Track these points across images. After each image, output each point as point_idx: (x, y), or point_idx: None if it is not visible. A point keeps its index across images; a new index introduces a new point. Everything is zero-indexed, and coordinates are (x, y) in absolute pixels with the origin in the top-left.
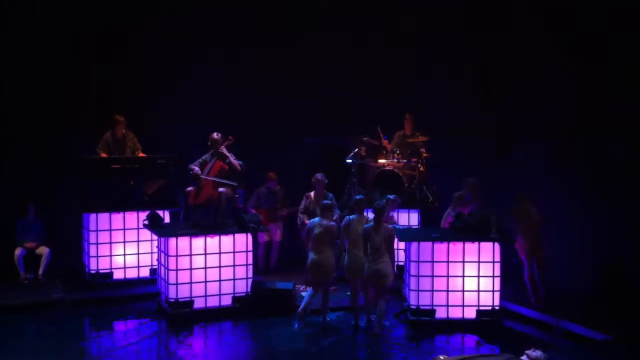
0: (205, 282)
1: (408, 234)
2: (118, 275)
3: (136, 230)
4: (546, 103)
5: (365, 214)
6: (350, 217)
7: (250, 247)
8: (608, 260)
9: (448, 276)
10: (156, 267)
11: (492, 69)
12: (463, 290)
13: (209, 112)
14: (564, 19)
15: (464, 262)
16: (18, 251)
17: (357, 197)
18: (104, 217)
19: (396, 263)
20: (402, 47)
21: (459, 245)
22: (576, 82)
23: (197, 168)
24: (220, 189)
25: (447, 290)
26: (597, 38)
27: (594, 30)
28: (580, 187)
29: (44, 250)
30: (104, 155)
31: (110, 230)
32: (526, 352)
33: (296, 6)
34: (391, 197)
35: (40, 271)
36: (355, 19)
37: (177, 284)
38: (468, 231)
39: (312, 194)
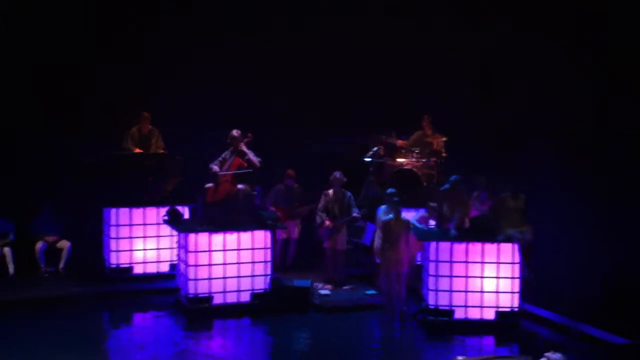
0: (224, 278)
1: (426, 234)
2: (138, 270)
3: (156, 226)
4: (555, 105)
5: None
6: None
7: (269, 245)
8: (620, 264)
9: (467, 277)
10: (176, 262)
11: (499, 69)
12: (482, 291)
13: (228, 109)
14: (568, 19)
15: (482, 262)
16: (39, 245)
17: (389, 190)
18: (124, 212)
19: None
20: (412, 49)
21: (478, 245)
22: (583, 86)
23: (216, 167)
24: (239, 186)
25: (466, 291)
26: (600, 39)
27: (597, 31)
28: (590, 191)
29: (64, 244)
30: (137, 150)
31: (131, 225)
32: (545, 354)
33: (309, 7)
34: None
35: (61, 265)
36: (364, 20)
37: (196, 279)
38: (486, 232)
39: (330, 192)
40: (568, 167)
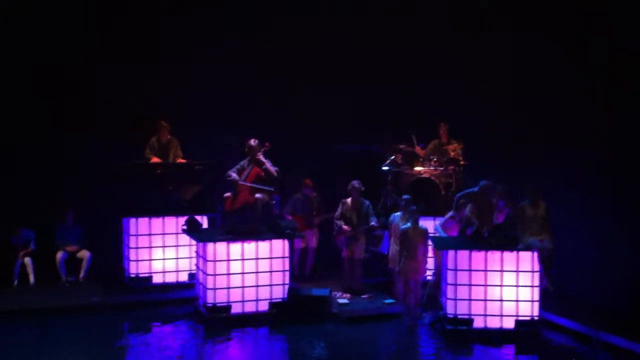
0: (243, 287)
1: (445, 242)
2: (157, 279)
3: (175, 235)
4: (575, 110)
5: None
6: (396, 214)
7: (287, 254)
8: None
9: (486, 285)
10: (194, 271)
11: (521, 75)
12: (501, 300)
13: (246, 118)
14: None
15: (502, 271)
16: (60, 254)
17: (405, 197)
18: (143, 221)
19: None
20: (434, 52)
21: (497, 254)
22: (602, 92)
23: (234, 174)
24: (257, 195)
25: (485, 300)
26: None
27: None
28: (621, 196)
29: (85, 254)
30: (155, 159)
31: (150, 234)
32: None
33: (324, 13)
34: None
35: (81, 274)
36: (385, 24)
37: (214, 288)
38: (506, 245)
39: (348, 200)
40: (598, 174)
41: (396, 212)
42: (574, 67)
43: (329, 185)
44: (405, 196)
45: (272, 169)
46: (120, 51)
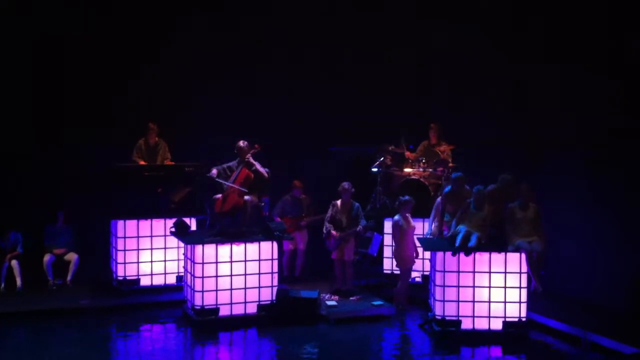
0: (231, 289)
1: (433, 244)
2: (145, 282)
3: (163, 238)
4: (577, 113)
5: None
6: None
7: (275, 255)
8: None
9: (474, 287)
10: (182, 274)
11: (523, 77)
12: (489, 301)
13: (238, 121)
14: (599, 28)
15: (490, 272)
16: (47, 257)
17: (403, 198)
18: (131, 224)
19: (422, 273)
20: (434, 56)
21: (485, 255)
22: (606, 94)
23: (214, 170)
24: (246, 197)
25: (473, 301)
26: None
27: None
28: (611, 197)
29: (72, 257)
30: (142, 162)
31: (138, 237)
32: None
33: (325, 20)
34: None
35: (69, 277)
36: (385, 31)
37: (202, 291)
38: (495, 244)
39: (338, 202)
40: (599, 178)
41: (388, 213)
42: (561, 68)
43: (323, 187)
44: (402, 197)
45: (263, 170)
46: (104, 51)
